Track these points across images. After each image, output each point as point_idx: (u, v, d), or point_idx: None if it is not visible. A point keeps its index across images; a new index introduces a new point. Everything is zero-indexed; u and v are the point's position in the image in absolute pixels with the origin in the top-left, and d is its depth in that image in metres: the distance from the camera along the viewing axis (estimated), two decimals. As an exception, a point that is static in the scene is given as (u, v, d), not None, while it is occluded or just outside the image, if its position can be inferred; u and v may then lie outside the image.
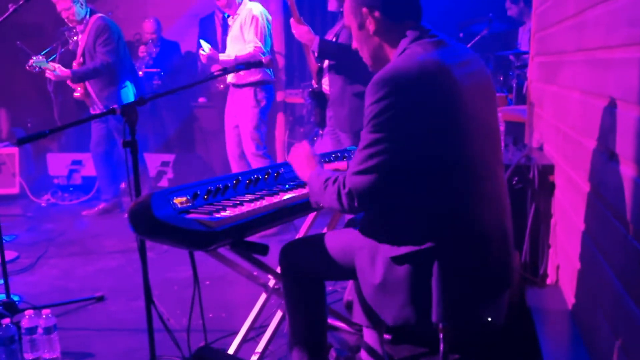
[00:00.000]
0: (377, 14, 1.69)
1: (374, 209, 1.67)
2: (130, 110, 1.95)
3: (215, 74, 2.46)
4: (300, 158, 1.91)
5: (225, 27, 5.31)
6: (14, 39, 5.65)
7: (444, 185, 1.59)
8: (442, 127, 1.56)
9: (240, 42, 4.20)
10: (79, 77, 4.50)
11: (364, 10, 1.70)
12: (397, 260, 1.62)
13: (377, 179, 1.55)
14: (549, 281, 2.52)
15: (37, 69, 4.40)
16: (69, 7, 4.46)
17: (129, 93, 4.67)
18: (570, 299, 2.16)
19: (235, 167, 4.48)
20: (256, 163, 4.26)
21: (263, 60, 2.61)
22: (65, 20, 4.60)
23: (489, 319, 1.70)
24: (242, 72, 4.05)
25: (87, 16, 4.57)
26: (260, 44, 4.14)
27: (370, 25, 1.71)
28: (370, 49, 1.77)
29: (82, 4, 4.53)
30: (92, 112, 4.78)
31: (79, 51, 4.67)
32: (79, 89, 4.67)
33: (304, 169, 1.88)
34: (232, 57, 4.13)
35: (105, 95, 4.62)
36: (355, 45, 1.81)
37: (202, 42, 4.17)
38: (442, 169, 1.58)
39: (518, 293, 2.34)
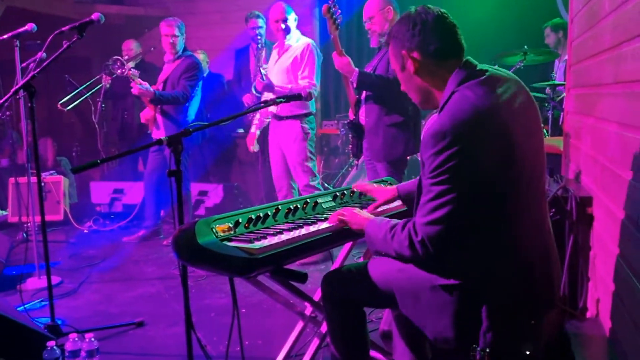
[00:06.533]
0: (415, 54, 1.73)
1: (449, 257, 1.66)
2: (176, 141, 2.04)
3: (257, 105, 2.54)
4: (351, 212, 1.97)
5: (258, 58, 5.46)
6: (62, 72, 5.94)
7: (497, 222, 1.64)
8: (498, 168, 1.60)
9: (289, 74, 4.27)
10: (158, 99, 4.72)
11: (403, 52, 1.75)
12: (443, 287, 1.67)
13: (448, 228, 1.59)
14: (588, 314, 2.48)
15: (129, 77, 4.68)
16: (175, 35, 4.80)
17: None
18: (610, 332, 2.13)
19: (282, 196, 4.47)
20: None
21: (310, 95, 2.69)
22: (169, 45, 4.83)
23: (528, 352, 1.70)
24: (279, 104, 4.10)
25: (181, 52, 4.87)
26: (314, 82, 4.24)
27: (411, 67, 1.75)
28: (415, 90, 1.81)
29: (184, 38, 4.90)
30: (154, 135, 4.96)
31: (160, 78, 4.92)
32: (149, 111, 4.88)
33: (358, 219, 1.92)
34: (288, 89, 4.19)
35: (172, 122, 4.81)
36: (403, 87, 1.85)
37: (262, 70, 4.26)
38: (497, 207, 1.62)
39: (557, 325, 2.30)
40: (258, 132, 4.67)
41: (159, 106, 4.83)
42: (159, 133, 4.89)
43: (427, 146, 1.61)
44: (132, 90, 4.69)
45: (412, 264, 1.75)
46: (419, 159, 1.69)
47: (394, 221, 1.77)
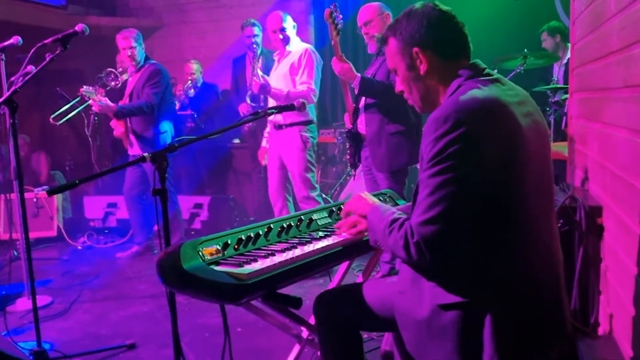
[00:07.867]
0: (429, 53, 1.61)
1: (447, 266, 1.50)
2: (161, 157, 1.91)
3: (247, 117, 2.43)
4: (356, 199, 1.87)
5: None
6: (54, 85, 5.84)
7: (502, 232, 1.48)
8: (503, 165, 1.44)
9: (287, 79, 4.16)
10: (122, 113, 4.59)
11: (415, 49, 1.61)
12: (445, 307, 1.51)
13: (447, 228, 1.42)
14: (600, 331, 2.35)
15: (87, 98, 4.58)
16: (132, 46, 4.66)
17: (167, 139, 4.75)
18: (626, 351, 2.00)
19: (278, 210, 4.39)
20: (308, 207, 4.13)
21: (304, 105, 2.53)
22: (128, 57, 4.72)
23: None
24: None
25: (142, 62, 4.75)
26: (313, 87, 4.12)
27: (422, 66, 1.62)
28: (420, 90, 1.66)
29: (143, 48, 4.76)
30: (130, 152, 4.85)
31: (127, 92, 4.80)
32: (119, 127, 4.76)
33: (362, 204, 1.81)
34: (285, 92, 4.08)
35: (143, 138, 4.69)
36: (401, 87, 1.71)
37: (259, 71, 4.20)
38: (502, 214, 1.47)
39: (569, 345, 2.18)
40: (268, 146, 4.51)
41: (128, 123, 4.72)
42: (133, 151, 4.79)
43: (427, 132, 1.46)
44: (92, 108, 4.58)
45: (413, 286, 1.61)
46: (420, 154, 1.54)
47: (398, 214, 1.61)
